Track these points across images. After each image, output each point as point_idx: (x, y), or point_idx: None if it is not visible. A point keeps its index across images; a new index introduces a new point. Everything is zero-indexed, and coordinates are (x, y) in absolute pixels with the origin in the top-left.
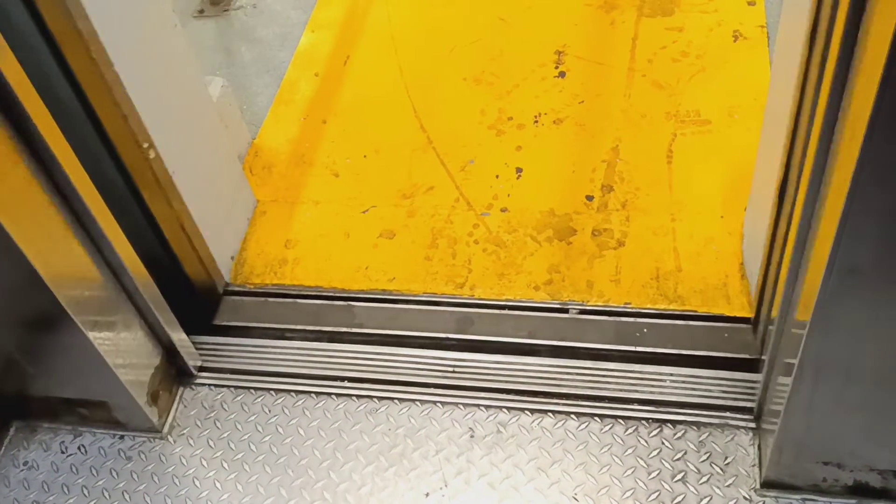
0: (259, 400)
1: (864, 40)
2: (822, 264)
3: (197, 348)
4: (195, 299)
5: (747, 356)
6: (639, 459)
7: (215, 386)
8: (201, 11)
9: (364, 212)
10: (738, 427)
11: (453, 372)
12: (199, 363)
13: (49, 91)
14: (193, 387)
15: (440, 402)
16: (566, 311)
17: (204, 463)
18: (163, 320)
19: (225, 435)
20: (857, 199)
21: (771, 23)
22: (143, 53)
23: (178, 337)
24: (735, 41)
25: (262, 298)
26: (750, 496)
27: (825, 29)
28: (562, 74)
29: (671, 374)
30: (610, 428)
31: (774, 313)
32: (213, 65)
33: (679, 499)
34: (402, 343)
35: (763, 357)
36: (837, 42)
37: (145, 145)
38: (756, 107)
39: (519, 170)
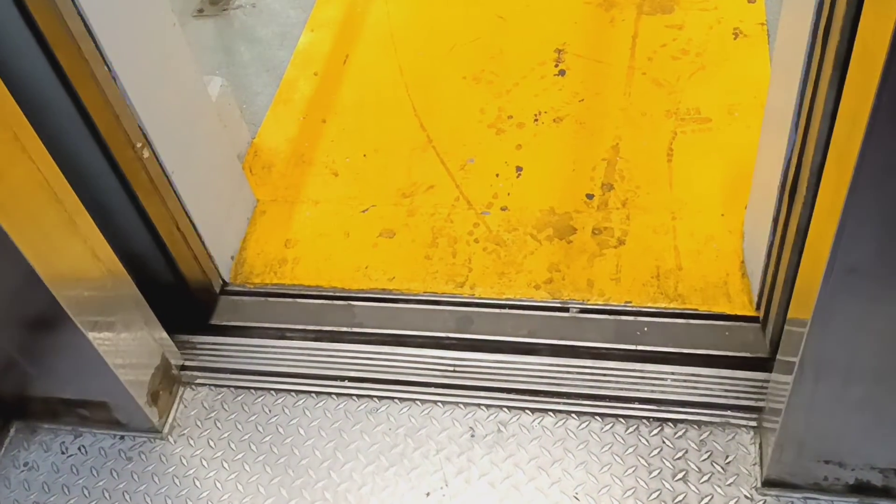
0: (259, 400)
1: (862, 39)
2: (823, 263)
3: (196, 348)
4: (192, 299)
5: (748, 354)
6: (640, 458)
7: (216, 386)
8: (200, 11)
9: (364, 211)
10: (738, 426)
11: (454, 371)
12: (182, 363)
13: (39, 90)
14: (194, 387)
15: (440, 402)
16: (566, 309)
17: (204, 463)
18: (144, 319)
19: (225, 435)
20: (857, 198)
21: (771, 20)
22: (141, 53)
23: (160, 336)
24: (735, 39)
25: (262, 298)
26: (751, 495)
27: (825, 27)
28: (562, 73)
29: (672, 373)
30: (611, 427)
31: (791, 312)
32: (212, 64)
33: (680, 498)
34: (402, 342)
35: (778, 357)
36: (836, 40)
37: (139, 145)
38: (756, 104)
39: (519, 168)
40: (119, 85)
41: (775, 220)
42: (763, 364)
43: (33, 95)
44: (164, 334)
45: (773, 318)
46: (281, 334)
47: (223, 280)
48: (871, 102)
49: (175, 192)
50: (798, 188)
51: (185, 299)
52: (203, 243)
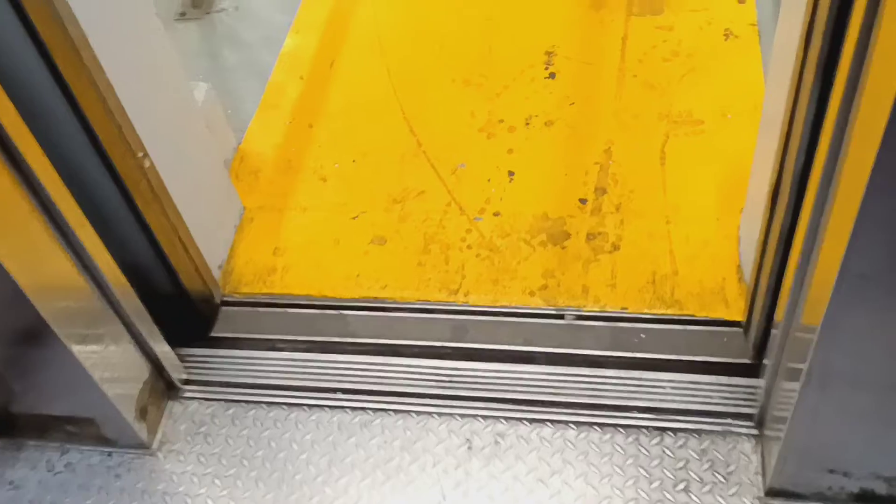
0: (251, 413)
1: (883, 43)
2: (833, 270)
3: (188, 361)
4: (189, 311)
5: (748, 361)
6: (640, 469)
7: (206, 400)
8: (182, 14)
9: (354, 218)
10: (740, 434)
11: (449, 382)
12: (184, 377)
13: (39, 100)
14: (183, 401)
15: (436, 413)
16: (562, 316)
17: (195, 479)
18: (146, 333)
19: (216, 450)
20: (870, 206)
21: (761, 20)
22: (131, 60)
23: (163, 350)
24: (726, 39)
25: (252, 308)
26: None
27: (807, 32)
28: (552, 76)
29: (670, 381)
30: (610, 437)
31: (779, 318)
32: (196, 69)
33: None
34: (396, 352)
35: (763, 362)
36: (818, 44)
37: (140, 154)
38: (749, 106)
39: (511, 173)
40: (114, 94)
41: (767, 225)
42: (755, 370)
43: (33, 104)
44: (167, 348)
45: (755, 322)
46: (272, 345)
47: (219, 292)
48: (889, 109)
49: (174, 201)
50: (780, 192)
51: (184, 312)
52: (199, 254)
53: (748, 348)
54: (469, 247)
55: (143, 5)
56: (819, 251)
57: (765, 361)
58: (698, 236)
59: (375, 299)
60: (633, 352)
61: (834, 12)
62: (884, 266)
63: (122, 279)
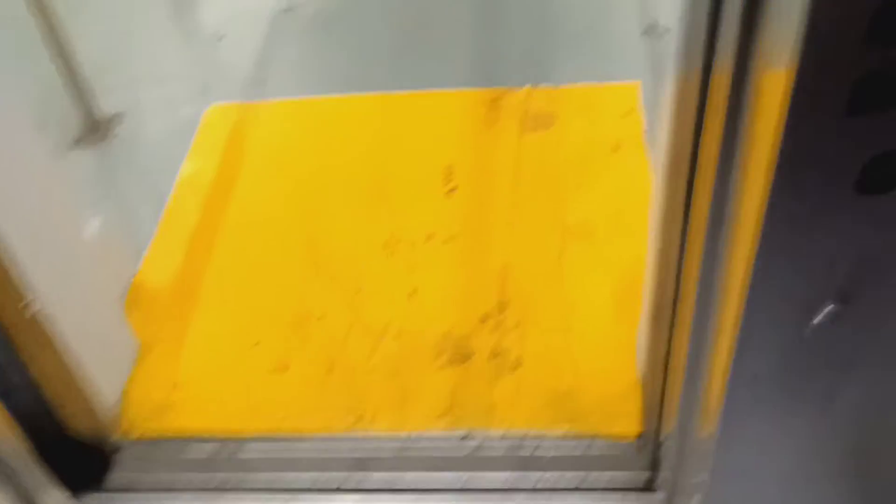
0: None
1: (757, 152)
2: (723, 379)
3: None
4: (80, 457)
5: (648, 476)
6: None
7: None
8: (78, 140)
9: (255, 344)
10: None
11: None
12: None
13: None
14: None
15: None
16: (468, 440)
17: None
18: (31, 484)
19: None
20: (752, 313)
21: (649, 130)
22: (15, 204)
23: (52, 502)
24: (615, 151)
25: (148, 451)
26: None
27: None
28: (451, 191)
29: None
30: None
31: (667, 430)
32: (91, 196)
33: None
34: (298, 490)
35: (659, 477)
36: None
37: (25, 302)
38: (641, 215)
39: (413, 291)
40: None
41: (654, 336)
42: (653, 484)
43: None
44: (57, 500)
45: (649, 436)
46: (169, 491)
47: (112, 434)
48: (763, 210)
49: (62, 344)
50: (663, 306)
51: (74, 458)
52: (91, 396)
53: (647, 463)
54: (373, 369)
55: (28, 143)
56: (705, 362)
57: (660, 477)
58: (598, 348)
59: (276, 433)
60: (541, 472)
61: (696, 134)
62: (775, 370)
63: (6, 430)
